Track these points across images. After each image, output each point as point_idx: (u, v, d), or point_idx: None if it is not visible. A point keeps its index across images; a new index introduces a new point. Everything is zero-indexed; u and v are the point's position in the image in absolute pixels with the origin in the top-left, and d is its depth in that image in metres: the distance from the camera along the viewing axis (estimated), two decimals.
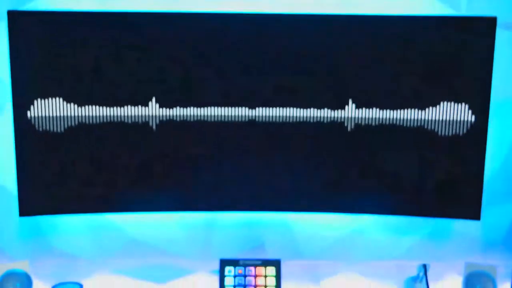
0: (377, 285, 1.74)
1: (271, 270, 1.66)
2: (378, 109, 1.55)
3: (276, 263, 1.66)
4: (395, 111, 1.55)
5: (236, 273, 1.65)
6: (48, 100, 1.54)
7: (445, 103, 1.54)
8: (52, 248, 1.72)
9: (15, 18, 1.51)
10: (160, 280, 1.73)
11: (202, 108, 1.56)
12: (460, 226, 1.71)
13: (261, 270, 1.66)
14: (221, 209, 1.64)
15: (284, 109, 1.57)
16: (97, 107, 1.55)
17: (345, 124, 1.57)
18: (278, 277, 1.65)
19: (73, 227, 1.71)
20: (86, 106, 1.55)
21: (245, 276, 1.65)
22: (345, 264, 1.74)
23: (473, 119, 1.54)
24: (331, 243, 1.73)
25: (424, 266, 1.58)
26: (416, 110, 1.55)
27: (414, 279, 1.61)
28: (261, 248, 1.73)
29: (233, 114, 1.57)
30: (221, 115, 1.57)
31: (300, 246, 1.73)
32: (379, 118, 1.56)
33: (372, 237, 1.73)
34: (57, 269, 1.72)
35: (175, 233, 1.72)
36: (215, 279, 1.67)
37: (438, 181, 1.59)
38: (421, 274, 1.59)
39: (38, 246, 1.71)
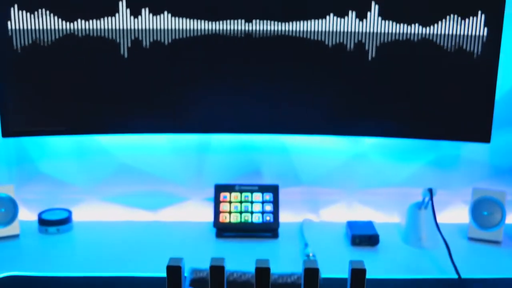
0: (379, 214, 1.66)
1: (268, 196, 1.58)
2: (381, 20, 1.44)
3: (274, 189, 1.58)
4: (401, 25, 1.45)
5: (232, 199, 1.57)
6: (30, 12, 1.43)
7: (455, 16, 1.43)
8: (39, 173, 1.63)
9: None
10: (151, 208, 1.66)
11: (195, 21, 1.45)
12: (468, 151, 1.62)
13: (258, 196, 1.58)
14: (215, 131, 1.54)
15: (282, 23, 1.46)
16: (84, 21, 1.45)
17: (344, 43, 1.46)
18: (276, 203, 1.57)
19: (61, 152, 1.63)
20: (74, 21, 1.44)
21: (241, 202, 1.57)
22: (346, 192, 1.66)
23: (485, 34, 1.43)
24: (331, 170, 1.65)
25: (430, 191, 1.50)
26: (421, 25, 1.44)
27: (419, 205, 1.53)
28: (257, 173, 1.64)
29: (228, 28, 1.46)
30: (215, 29, 1.46)
31: (298, 173, 1.65)
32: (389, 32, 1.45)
33: (374, 163, 1.64)
34: (45, 196, 1.64)
35: (167, 158, 1.64)
36: (210, 206, 1.60)
37: (446, 102, 1.49)
38: (427, 199, 1.51)
39: (25, 170, 1.63)
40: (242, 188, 1.58)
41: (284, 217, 1.62)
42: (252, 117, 1.51)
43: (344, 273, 0.98)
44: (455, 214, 1.65)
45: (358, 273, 0.91)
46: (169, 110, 1.50)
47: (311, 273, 0.88)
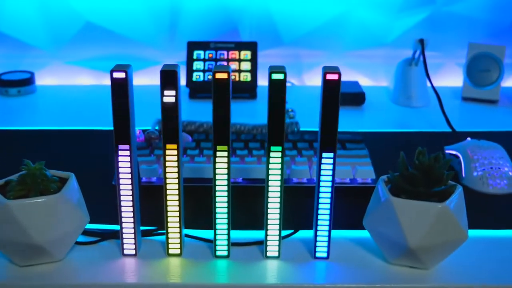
0: (367, 78, 1.54)
1: (246, 54, 1.45)
2: None
3: (252, 46, 1.45)
4: None
5: (206, 57, 1.45)
6: None
7: None
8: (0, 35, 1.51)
9: None
10: None
11: None
12: (464, 7, 1.49)
13: (234, 54, 1.45)
14: None
15: None
16: None
17: None
18: (254, 61, 1.44)
19: (24, 11, 1.49)
20: None
21: (216, 60, 1.44)
22: (331, 54, 1.54)
23: None
24: (315, 29, 1.51)
25: (422, 42, 1.37)
26: None
27: (409, 61, 1.41)
28: (235, 33, 1.51)
29: None
30: None
31: (280, 32, 1.52)
32: None
33: (362, 21, 1.51)
34: (5, 59, 1.52)
35: (139, 17, 1.50)
36: (183, 68, 1.47)
37: None
38: (418, 52, 1.38)
39: None
40: (217, 46, 1.45)
41: (264, 81, 1.49)
42: None
43: None
44: (448, 76, 1.53)
45: (330, 83, 0.79)
46: None
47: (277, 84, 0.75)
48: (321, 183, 0.80)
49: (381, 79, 1.53)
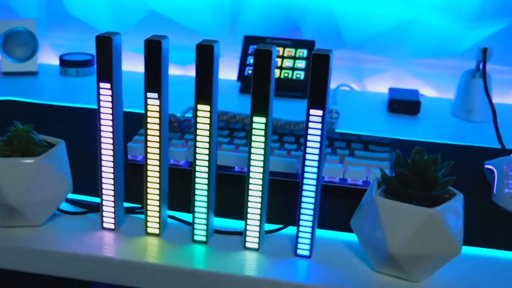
0: (431, 89, 1.45)
1: (302, 52, 1.40)
2: None
3: (310, 45, 1.41)
4: None
5: None
6: None
7: None
8: (69, 17, 1.55)
9: None
10: (180, 62, 1.54)
11: None
12: None
13: (291, 51, 1.41)
14: None
15: None
16: None
17: None
18: (310, 61, 1.39)
19: None
20: None
21: None
22: (394, 60, 1.46)
23: None
24: (380, 33, 1.44)
25: (484, 51, 1.26)
26: None
27: (472, 72, 1.31)
28: (296, 32, 1.47)
29: None
30: None
31: (342, 34, 1.46)
32: None
33: (431, 28, 1.42)
34: (73, 42, 1.56)
35: (200, 9, 1.49)
36: (237, 62, 1.45)
37: None
38: (480, 63, 1.28)
39: (54, 11, 1.55)
40: (274, 42, 1.41)
41: None
42: None
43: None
44: None
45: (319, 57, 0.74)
46: None
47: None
48: (306, 174, 0.74)
49: (448, 91, 1.43)
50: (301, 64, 1.39)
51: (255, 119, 0.72)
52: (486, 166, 1.00)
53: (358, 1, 1.43)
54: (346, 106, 1.34)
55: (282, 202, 0.87)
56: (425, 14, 1.41)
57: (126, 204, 0.84)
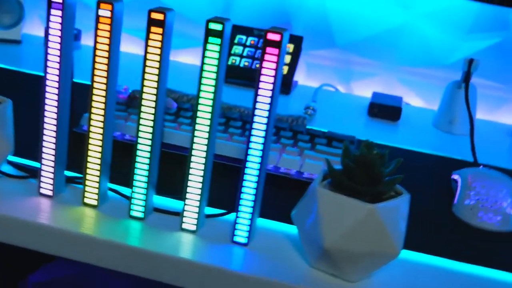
0: (417, 96, 1.42)
1: (288, 46, 1.37)
2: None
3: (297, 40, 1.38)
4: None
5: (248, 43, 1.39)
6: None
7: None
8: None
9: None
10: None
11: None
12: None
13: None
14: None
15: None
16: None
17: None
18: (295, 56, 1.36)
19: None
20: None
21: (256, 47, 1.38)
22: (384, 65, 1.42)
23: None
24: (372, 36, 1.41)
25: (470, 62, 1.23)
26: None
27: (458, 83, 1.27)
28: (287, 27, 1.44)
29: None
30: None
31: (334, 34, 1.43)
32: None
33: (424, 36, 1.39)
34: None
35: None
36: None
37: None
38: (464, 73, 1.24)
39: None
40: (261, 33, 1.38)
41: (302, 80, 1.42)
42: None
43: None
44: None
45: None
46: None
47: None
48: (249, 159, 0.71)
49: (434, 102, 1.40)
50: (287, 58, 1.36)
51: (202, 100, 0.70)
52: (452, 176, 0.96)
53: (353, 2, 1.39)
54: (327, 106, 1.31)
55: (231, 189, 0.84)
56: (419, 21, 1.38)
57: (69, 173, 0.81)
